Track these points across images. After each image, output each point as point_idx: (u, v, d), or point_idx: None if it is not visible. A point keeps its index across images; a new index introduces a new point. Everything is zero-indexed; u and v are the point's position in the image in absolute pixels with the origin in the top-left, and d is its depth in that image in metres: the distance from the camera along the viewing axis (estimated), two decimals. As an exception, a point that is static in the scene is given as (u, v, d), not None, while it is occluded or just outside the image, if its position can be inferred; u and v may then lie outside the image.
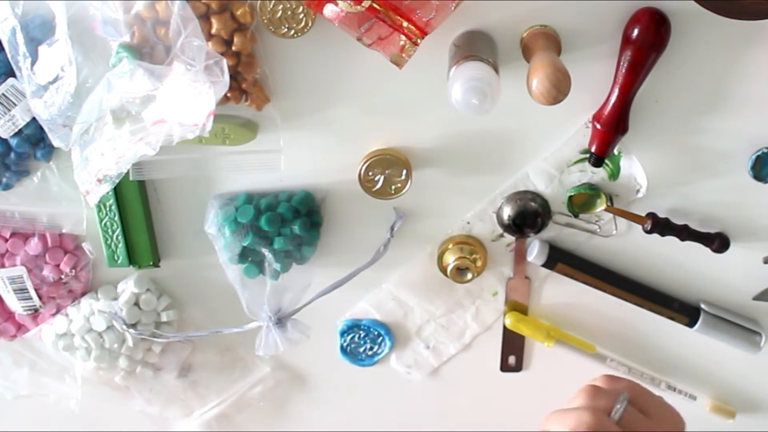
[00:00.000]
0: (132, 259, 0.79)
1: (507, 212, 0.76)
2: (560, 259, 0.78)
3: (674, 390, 0.85)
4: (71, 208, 0.78)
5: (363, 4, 0.61)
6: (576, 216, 0.76)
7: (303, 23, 0.67)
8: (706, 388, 0.86)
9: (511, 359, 0.86)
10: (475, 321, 0.83)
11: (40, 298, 0.82)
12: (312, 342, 0.79)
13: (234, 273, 0.77)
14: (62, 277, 0.81)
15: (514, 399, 0.87)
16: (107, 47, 0.66)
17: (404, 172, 0.73)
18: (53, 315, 0.84)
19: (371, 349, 0.86)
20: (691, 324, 0.79)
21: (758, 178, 0.72)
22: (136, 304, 0.82)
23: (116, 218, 0.77)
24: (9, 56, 0.67)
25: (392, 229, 0.77)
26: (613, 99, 0.68)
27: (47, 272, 0.81)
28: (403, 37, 0.62)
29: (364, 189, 0.73)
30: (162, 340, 0.83)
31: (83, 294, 0.83)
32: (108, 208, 0.77)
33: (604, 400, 0.67)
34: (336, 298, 0.77)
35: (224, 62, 0.62)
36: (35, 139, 0.74)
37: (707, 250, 0.74)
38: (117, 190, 0.76)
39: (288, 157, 0.74)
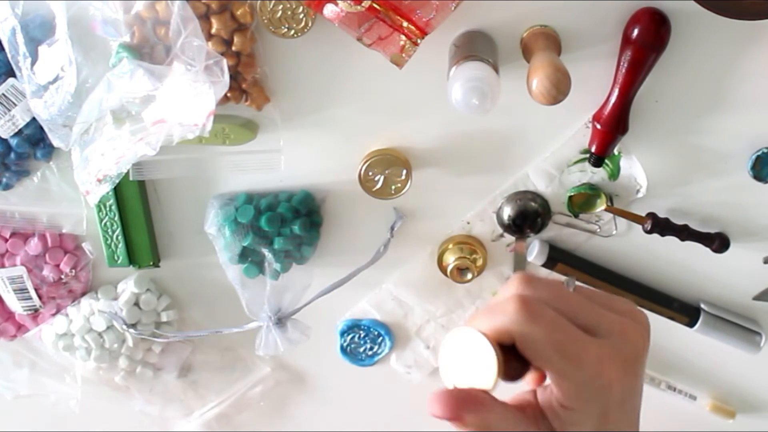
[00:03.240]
0: (132, 259, 0.79)
1: (507, 212, 0.76)
2: (560, 259, 0.77)
3: (674, 390, 0.85)
4: (71, 208, 0.78)
5: (363, 4, 0.61)
6: (576, 216, 0.76)
7: (303, 23, 0.67)
8: (706, 388, 0.86)
9: (511, 359, 0.85)
10: (475, 321, 0.83)
11: (40, 298, 0.82)
12: (312, 342, 0.79)
13: (234, 273, 0.77)
14: (62, 277, 0.81)
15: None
16: (107, 47, 0.66)
17: (404, 172, 0.73)
18: (53, 315, 0.83)
19: (371, 349, 0.86)
20: (691, 324, 0.79)
21: (758, 178, 0.72)
22: (136, 304, 0.82)
23: (116, 218, 0.77)
24: (9, 56, 0.67)
25: (392, 229, 0.77)
26: (613, 99, 0.68)
27: (47, 272, 0.80)
28: (403, 37, 0.62)
29: (364, 189, 0.73)
30: (162, 340, 0.83)
31: (83, 294, 0.83)
32: (108, 208, 0.77)
33: (543, 290, 0.46)
34: (336, 298, 0.77)
35: (224, 62, 0.62)
36: (35, 139, 0.74)
37: (707, 250, 0.74)
38: (117, 190, 0.76)
39: (288, 157, 0.74)
